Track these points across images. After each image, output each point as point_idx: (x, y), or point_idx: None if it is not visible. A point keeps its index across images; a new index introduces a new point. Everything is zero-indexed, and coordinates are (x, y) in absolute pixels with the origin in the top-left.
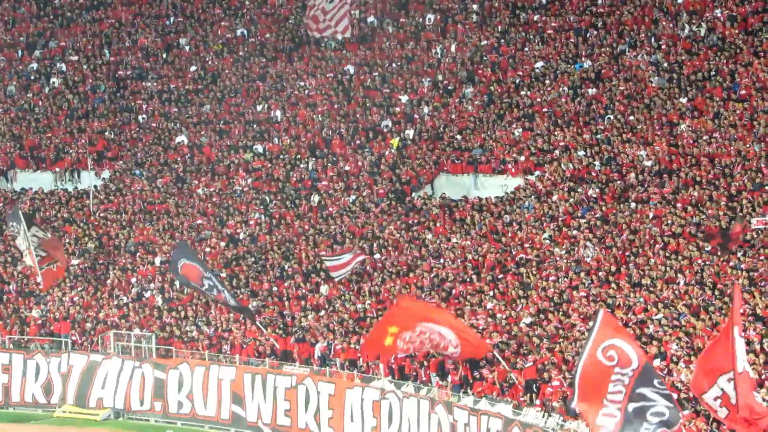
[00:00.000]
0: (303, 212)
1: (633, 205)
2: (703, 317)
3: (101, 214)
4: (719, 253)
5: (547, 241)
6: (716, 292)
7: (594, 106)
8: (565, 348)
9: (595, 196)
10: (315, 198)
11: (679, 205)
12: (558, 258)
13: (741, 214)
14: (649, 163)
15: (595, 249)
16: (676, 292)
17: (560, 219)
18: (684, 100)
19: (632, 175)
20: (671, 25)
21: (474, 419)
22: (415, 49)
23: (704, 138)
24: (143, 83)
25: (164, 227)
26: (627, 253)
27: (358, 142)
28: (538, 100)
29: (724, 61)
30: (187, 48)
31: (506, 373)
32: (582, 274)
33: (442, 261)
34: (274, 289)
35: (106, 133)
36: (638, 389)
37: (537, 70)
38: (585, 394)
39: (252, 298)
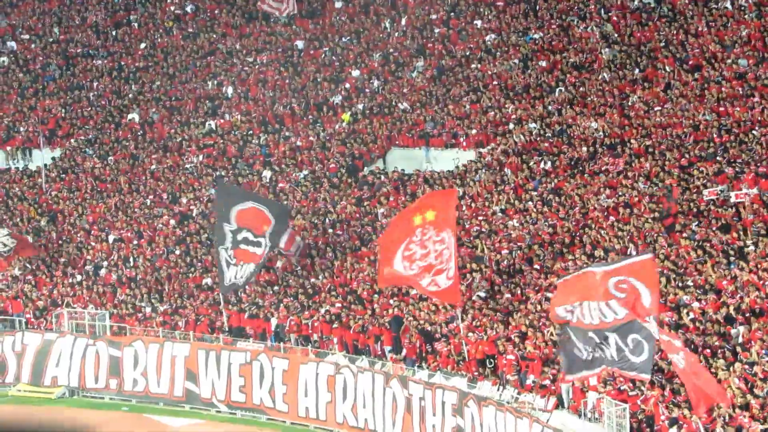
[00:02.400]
0: (255, 188)
1: (585, 176)
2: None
3: (53, 192)
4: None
5: (500, 214)
6: (668, 263)
7: (545, 78)
8: (519, 321)
9: (547, 168)
10: (267, 174)
11: (630, 175)
12: (511, 230)
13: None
14: (600, 135)
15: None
16: None
17: (512, 192)
18: (635, 71)
19: (584, 147)
20: None
21: (429, 393)
22: (365, 23)
23: (656, 109)
24: (94, 61)
25: (116, 205)
26: (580, 225)
27: (309, 117)
28: (489, 72)
29: (674, 31)
30: (136, 25)
31: (460, 346)
32: (535, 247)
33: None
34: None
35: (57, 111)
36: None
37: (487, 43)
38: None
39: (205, 274)
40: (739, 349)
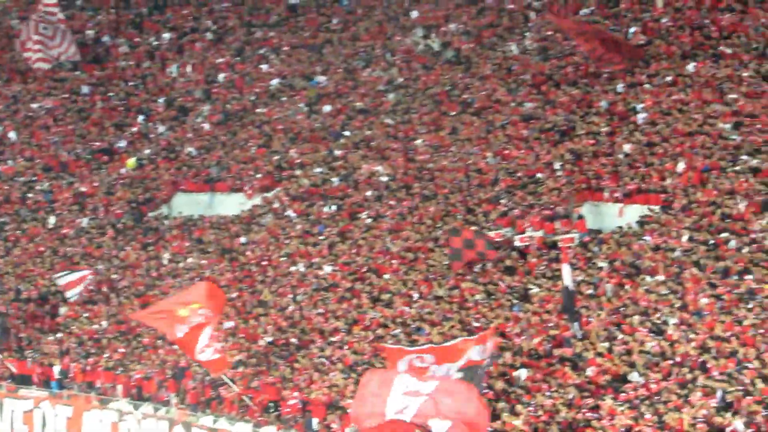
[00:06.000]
0: (38, 234)
1: (369, 221)
2: (441, 330)
3: None
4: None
5: (285, 259)
6: (454, 306)
7: (330, 122)
8: (304, 366)
9: (332, 212)
10: (51, 219)
11: (416, 219)
12: (296, 275)
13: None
14: (386, 179)
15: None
16: (413, 307)
17: (297, 236)
18: (420, 115)
19: (369, 191)
20: (406, 40)
21: None
22: (150, 68)
23: (441, 153)
24: None
25: None
26: (364, 269)
27: (93, 162)
28: (275, 117)
29: (460, 75)
30: None
31: (242, 394)
32: (321, 291)
33: (179, 280)
34: (11, 311)
35: None
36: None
37: (273, 87)
38: None
39: None
40: (522, 391)
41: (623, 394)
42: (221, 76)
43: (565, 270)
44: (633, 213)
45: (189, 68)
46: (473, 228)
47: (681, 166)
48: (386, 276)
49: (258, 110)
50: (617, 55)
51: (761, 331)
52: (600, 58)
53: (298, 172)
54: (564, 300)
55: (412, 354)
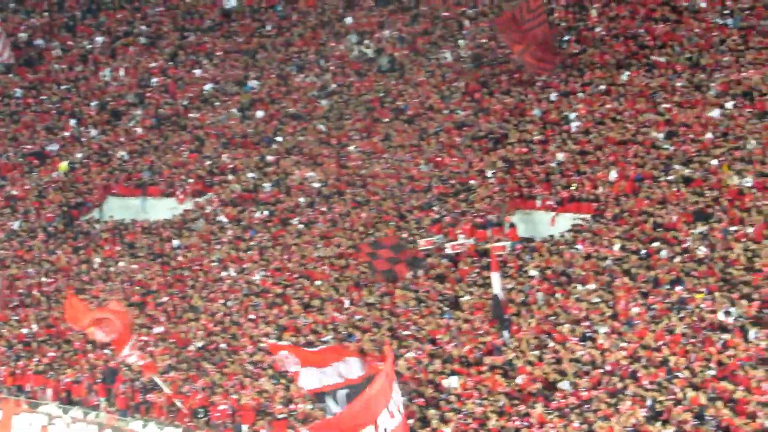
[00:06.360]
0: None
1: (301, 227)
2: (372, 337)
3: None
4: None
5: (216, 264)
6: (384, 313)
7: (263, 128)
8: (234, 371)
9: (264, 218)
10: None
11: (348, 225)
12: (227, 281)
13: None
14: (318, 185)
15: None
16: (344, 313)
17: (229, 241)
18: (353, 122)
19: (301, 197)
20: (340, 46)
21: None
22: (83, 72)
23: (374, 159)
24: None
25: None
26: (296, 275)
27: (25, 166)
28: (207, 122)
29: (394, 82)
30: None
31: (173, 398)
32: (252, 297)
33: (110, 284)
34: None
35: None
36: None
37: (206, 92)
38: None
39: None
40: (452, 398)
41: (553, 402)
42: (154, 81)
43: (495, 278)
44: (565, 222)
45: (122, 72)
46: (366, 240)
47: (613, 175)
48: (317, 282)
49: (191, 115)
50: (548, 58)
51: (692, 340)
52: (532, 63)
53: (230, 177)
54: (493, 308)
55: (284, 350)
